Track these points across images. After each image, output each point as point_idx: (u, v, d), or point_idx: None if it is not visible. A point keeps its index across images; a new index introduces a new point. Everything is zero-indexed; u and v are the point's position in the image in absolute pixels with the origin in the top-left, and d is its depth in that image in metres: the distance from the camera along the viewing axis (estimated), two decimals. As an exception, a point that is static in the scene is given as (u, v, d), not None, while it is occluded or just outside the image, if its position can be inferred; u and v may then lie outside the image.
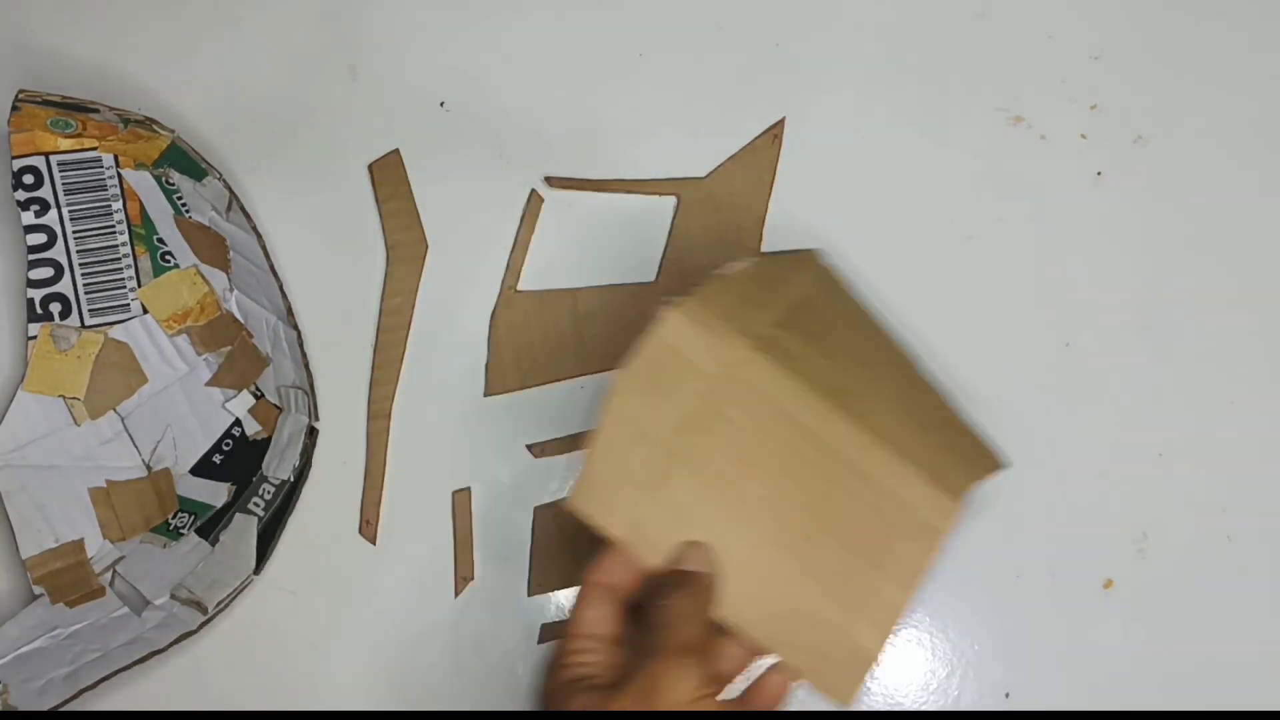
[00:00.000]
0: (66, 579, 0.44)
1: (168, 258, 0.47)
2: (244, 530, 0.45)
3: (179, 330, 0.47)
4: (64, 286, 0.45)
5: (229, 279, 0.47)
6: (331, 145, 0.48)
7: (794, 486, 0.35)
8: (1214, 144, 0.49)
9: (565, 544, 0.47)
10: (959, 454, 0.38)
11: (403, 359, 0.47)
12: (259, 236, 0.45)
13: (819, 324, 0.38)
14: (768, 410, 0.35)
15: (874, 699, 0.46)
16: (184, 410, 0.47)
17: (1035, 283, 0.48)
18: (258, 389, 0.47)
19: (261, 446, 0.47)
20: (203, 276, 0.47)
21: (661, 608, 0.34)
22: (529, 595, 0.46)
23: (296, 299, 0.47)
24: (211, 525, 0.46)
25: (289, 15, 0.49)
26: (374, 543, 0.47)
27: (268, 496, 0.46)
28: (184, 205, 0.46)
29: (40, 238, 0.45)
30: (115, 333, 0.46)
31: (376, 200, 0.48)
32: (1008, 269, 0.48)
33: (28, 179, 0.45)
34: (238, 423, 0.47)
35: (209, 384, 0.47)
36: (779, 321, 0.37)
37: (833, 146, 0.49)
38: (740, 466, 0.35)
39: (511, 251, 0.48)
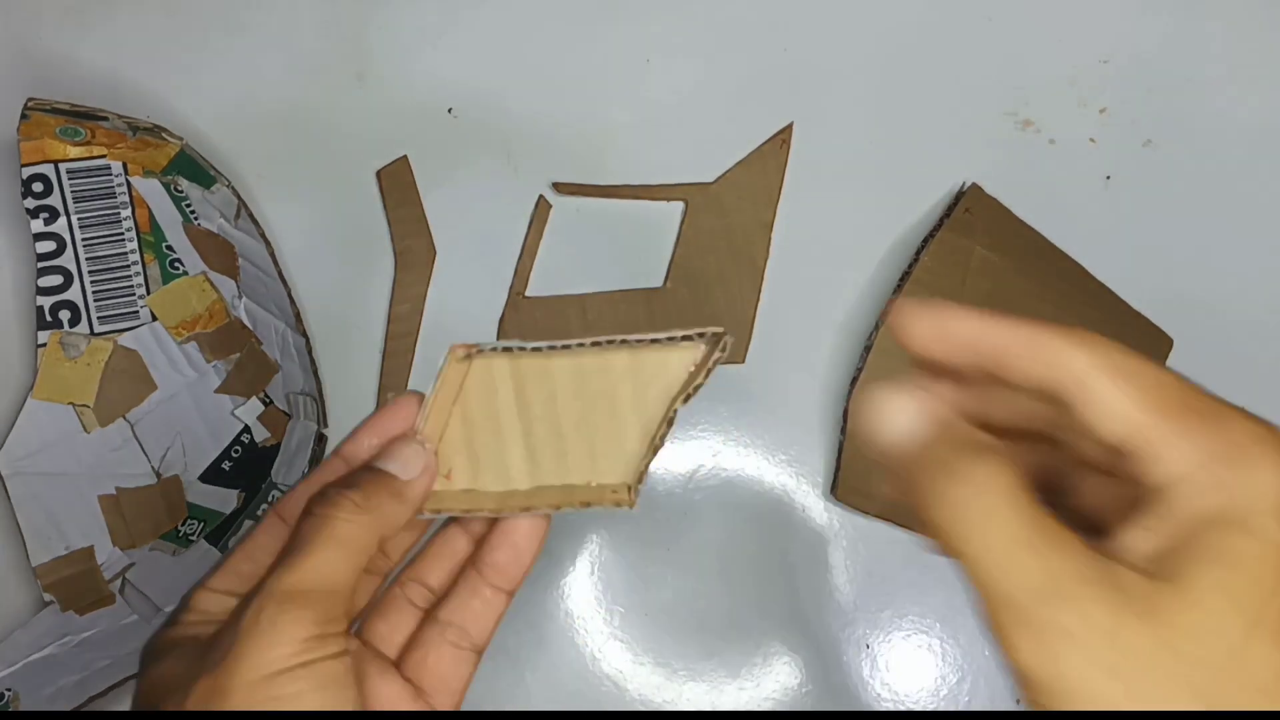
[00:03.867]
0: (77, 586, 0.45)
1: (176, 265, 0.47)
2: (253, 537, 0.45)
3: (188, 337, 0.47)
4: (73, 294, 0.46)
5: (238, 286, 0.47)
6: (340, 152, 0.48)
7: None
8: (1223, 148, 0.49)
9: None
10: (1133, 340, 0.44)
11: (411, 365, 0.47)
12: (267, 243, 0.45)
13: (998, 281, 0.46)
14: None
15: (885, 704, 0.46)
16: (193, 417, 0.47)
17: (1045, 287, 0.48)
18: (266, 396, 0.47)
19: (270, 453, 0.47)
20: (211, 283, 0.47)
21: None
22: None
23: (305, 305, 0.47)
24: (221, 532, 0.46)
25: (297, 22, 0.49)
26: (383, 549, 0.47)
27: (277, 503, 0.46)
28: (193, 212, 0.46)
29: (49, 245, 0.45)
30: (124, 340, 0.46)
31: (385, 207, 0.48)
32: (1017, 273, 0.48)
33: (37, 187, 0.45)
34: (247, 429, 0.47)
35: (218, 391, 0.47)
36: (969, 301, 0.43)
37: (841, 151, 0.49)
38: None
39: (519, 257, 0.48)
